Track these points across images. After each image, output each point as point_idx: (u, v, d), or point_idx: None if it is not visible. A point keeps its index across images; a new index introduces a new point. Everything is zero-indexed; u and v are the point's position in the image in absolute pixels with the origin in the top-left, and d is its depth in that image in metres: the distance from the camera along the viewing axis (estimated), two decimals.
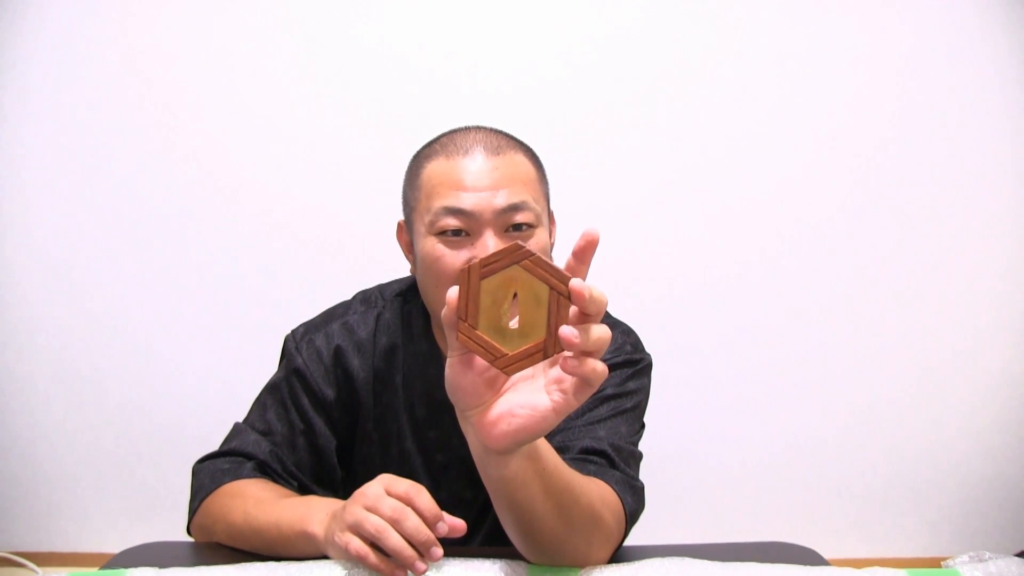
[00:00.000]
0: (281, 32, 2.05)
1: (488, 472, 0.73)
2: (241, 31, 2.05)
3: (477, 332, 0.62)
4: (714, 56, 2.04)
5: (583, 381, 0.63)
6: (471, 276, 0.62)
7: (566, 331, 0.59)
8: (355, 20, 2.04)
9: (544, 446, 0.75)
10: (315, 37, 2.05)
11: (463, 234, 0.95)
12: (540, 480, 0.75)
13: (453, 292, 0.62)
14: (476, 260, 0.62)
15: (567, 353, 0.62)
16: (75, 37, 2.05)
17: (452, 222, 0.94)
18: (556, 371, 0.65)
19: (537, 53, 2.04)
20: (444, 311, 0.63)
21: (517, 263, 0.61)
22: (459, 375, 0.66)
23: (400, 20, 2.04)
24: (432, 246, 0.96)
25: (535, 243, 0.96)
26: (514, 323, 0.62)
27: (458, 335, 0.62)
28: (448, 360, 0.66)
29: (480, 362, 0.65)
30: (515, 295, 0.62)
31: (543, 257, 0.62)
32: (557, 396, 0.64)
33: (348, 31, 2.05)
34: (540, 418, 0.65)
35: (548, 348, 0.61)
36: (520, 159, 0.99)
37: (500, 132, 1.02)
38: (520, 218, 0.95)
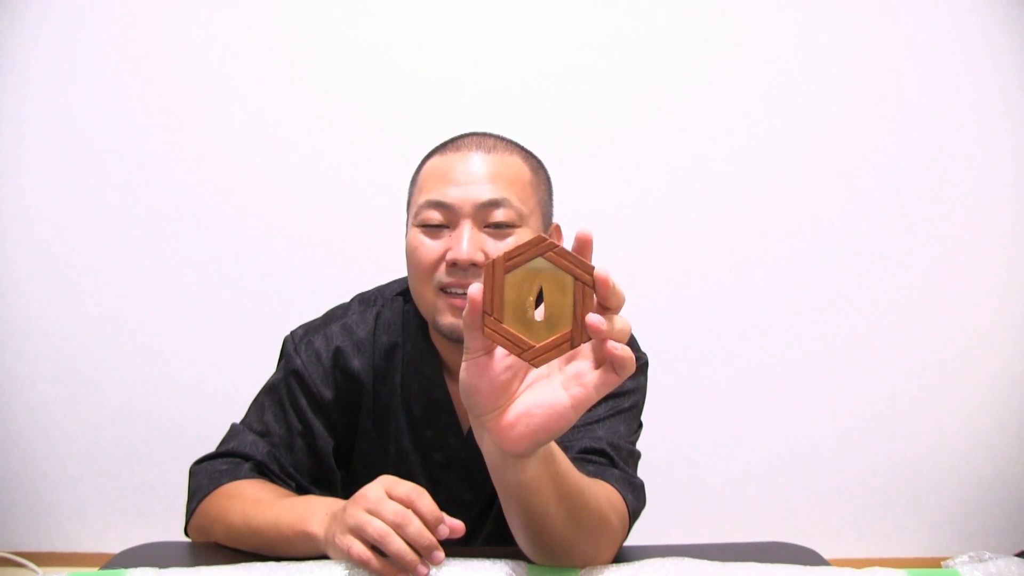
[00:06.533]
0: (281, 33, 2.05)
1: (504, 478, 0.72)
2: (241, 32, 2.05)
3: (504, 326, 0.61)
4: (714, 57, 2.04)
5: (615, 366, 0.62)
6: (495, 270, 0.61)
7: (593, 319, 0.60)
8: (356, 22, 2.04)
9: (557, 450, 0.75)
10: (315, 39, 2.05)
11: (445, 228, 0.95)
12: (554, 484, 0.74)
13: (475, 290, 0.61)
14: (500, 254, 0.61)
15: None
16: (75, 38, 2.05)
17: (434, 215, 0.96)
18: (574, 367, 0.65)
19: (537, 54, 2.04)
20: (465, 312, 0.62)
21: (541, 255, 0.61)
22: (475, 378, 0.65)
23: (401, 21, 2.04)
24: (412, 236, 0.98)
25: (512, 244, 0.93)
26: (539, 315, 0.62)
27: (484, 329, 0.62)
28: (464, 363, 0.65)
29: (496, 365, 0.64)
30: (540, 287, 0.61)
31: (566, 248, 0.61)
32: (577, 391, 0.64)
33: (348, 33, 2.04)
34: (558, 415, 0.64)
35: (575, 338, 0.61)
36: (513, 160, 0.99)
37: (502, 137, 1.02)
38: (500, 215, 0.94)
